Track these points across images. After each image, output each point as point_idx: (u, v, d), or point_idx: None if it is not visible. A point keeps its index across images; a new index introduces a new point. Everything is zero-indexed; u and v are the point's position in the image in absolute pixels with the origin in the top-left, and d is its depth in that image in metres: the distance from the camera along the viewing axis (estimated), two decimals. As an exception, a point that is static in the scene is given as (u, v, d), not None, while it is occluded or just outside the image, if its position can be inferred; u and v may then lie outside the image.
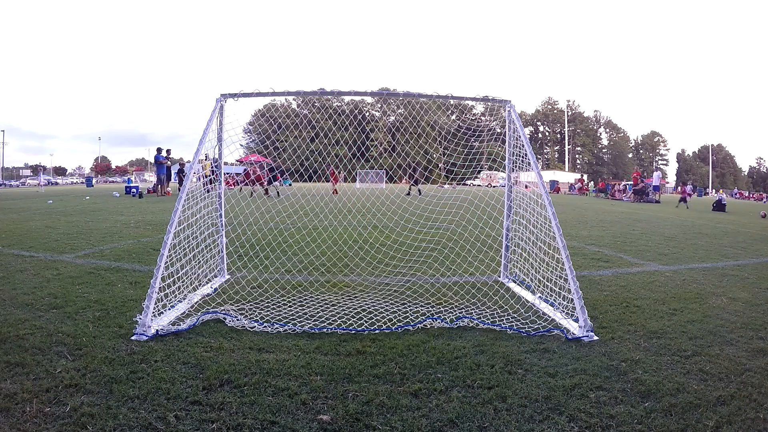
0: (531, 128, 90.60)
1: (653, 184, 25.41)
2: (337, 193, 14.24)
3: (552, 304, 3.52)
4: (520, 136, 3.92)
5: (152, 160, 19.83)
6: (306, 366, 2.47)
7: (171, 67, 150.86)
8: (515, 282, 4.25)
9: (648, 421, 1.98)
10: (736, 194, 55.75)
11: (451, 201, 6.05)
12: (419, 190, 15.71)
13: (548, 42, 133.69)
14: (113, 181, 61.60)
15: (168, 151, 19.28)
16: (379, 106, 67.31)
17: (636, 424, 1.95)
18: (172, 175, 20.00)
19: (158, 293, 3.05)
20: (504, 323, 3.18)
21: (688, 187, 36.39)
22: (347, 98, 61.90)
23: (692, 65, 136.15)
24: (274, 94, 3.95)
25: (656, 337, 2.98)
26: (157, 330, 2.84)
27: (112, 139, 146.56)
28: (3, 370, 2.29)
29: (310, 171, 6.37)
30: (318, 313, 3.35)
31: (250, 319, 3.16)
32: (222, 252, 4.31)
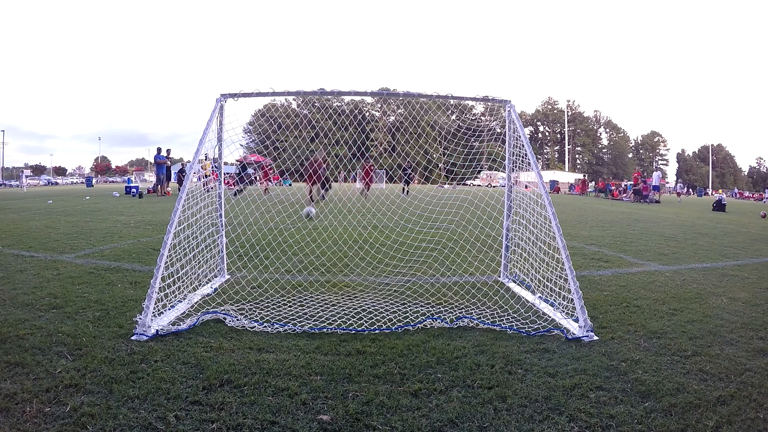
0: (531, 128, 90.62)
1: (653, 184, 25.42)
2: (366, 196, 12.72)
3: (552, 304, 3.52)
4: (520, 136, 3.92)
5: (152, 160, 19.88)
6: (306, 366, 2.47)
7: (171, 67, 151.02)
8: (515, 282, 4.25)
9: (648, 421, 1.98)
10: (735, 194, 55.76)
11: (451, 201, 6.05)
12: (407, 191, 14.80)
13: (548, 42, 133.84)
14: (113, 181, 61.61)
15: (168, 151, 19.29)
16: (379, 106, 67.27)
17: (636, 424, 1.95)
18: (173, 175, 20.02)
19: (158, 293, 3.05)
20: (504, 323, 3.18)
21: (679, 186, 36.44)
22: (347, 98, 61.87)
23: (692, 65, 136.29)
24: (274, 94, 3.94)
25: (656, 337, 2.98)
26: (157, 330, 2.84)
27: (112, 139, 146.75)
28: (3, 370, 2.29)
29: (310, 171, 6.36)
30: (318, 313, 3.35)
31: (250, 319, 3.16)
32: (222, 252, 4.31)
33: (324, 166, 12.51)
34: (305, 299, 3.70)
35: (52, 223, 8.25)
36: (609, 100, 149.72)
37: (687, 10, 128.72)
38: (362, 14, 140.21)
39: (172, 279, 3.39)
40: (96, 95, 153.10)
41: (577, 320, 3.04)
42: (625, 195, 26.93)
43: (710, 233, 9.17)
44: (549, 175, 50.85)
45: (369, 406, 2.08)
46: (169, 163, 19.80)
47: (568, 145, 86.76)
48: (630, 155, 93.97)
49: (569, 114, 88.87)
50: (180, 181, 19.02)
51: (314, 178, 12.23)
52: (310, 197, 12.13)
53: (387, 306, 3.53)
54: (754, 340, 2.97)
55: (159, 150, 19.12)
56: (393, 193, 13.50)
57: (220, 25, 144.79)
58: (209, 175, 4.19)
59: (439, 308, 3.51)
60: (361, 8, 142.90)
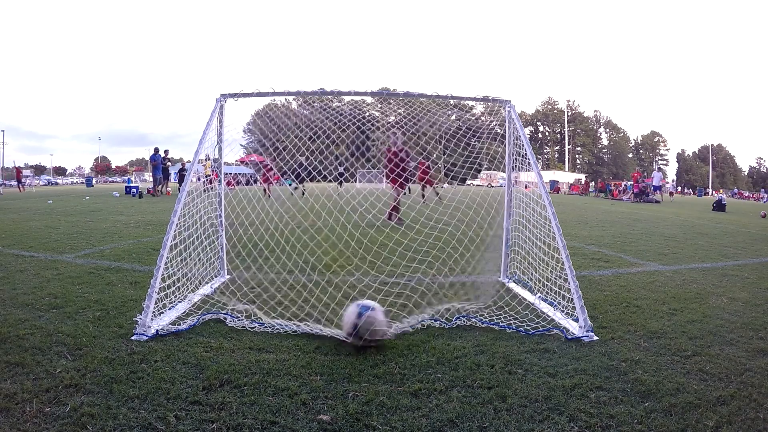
0: (531, 128, 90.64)
1: (654, 184, 25.52)
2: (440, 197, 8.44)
3: (552, 304, 3.52)
4: (520, 136, 3.92)
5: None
6: (306, 366, 2.47)
7: (171, 67, 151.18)
8: (515, 282, 4.25)
9: (648, 421, 1.98)
10: (735, 194, 55.76)
11: (451, 201, 6.04)
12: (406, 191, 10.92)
13: (548, 42, 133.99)
14: (113, 181, 61.67)
15: (166, 152, 19.32)
16: (379, 106, 67.31)
17: (636, 424, 1.95)
18: (173, 175, 20.04)
19: (158, 293, 3.05)
20: (504, 323, 3.18)
21: (671, 186, 36.42)
22: (347, 98, 61.82)
23: (692, 65, 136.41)
24: (274, 94, 3.94)
25: (656, 337, 2.98)
26: (157, 330, 2.84)
27: (112, 139, 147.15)
28: (3, 370, 2.29)
29: (309, 170, 6.36)
30: (318, 313, 3.34)
31: (250, 319, 3.16)
32: (222, 252, 4.31)
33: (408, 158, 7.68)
34: (305, 299, 3.70)
35: (52, 223, 8.25)
36: (609, 100, 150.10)
37: (687, 10, 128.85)
38: (362, 14, 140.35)
39: (172, 279, 3.39)
40: (96, 95, 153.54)
41: (577, 320, 3.04)
42: (625, 195, 26.98)
43: (710, 233, 9.17)
44: (549, 175, 50.86)
45: (369, 406, 2.08)
46: (169, 164, 19.82)
47: (568, 145, 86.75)
48: (630, 155, 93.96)
49: (569, 114, 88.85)
50: (180, 181, 19.03)
51: (398, 181, 7.55)
52: (391, 210, 7.77)
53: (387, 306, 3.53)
54: (754, 340, 2.97)
55: (156, 150, 19.09)
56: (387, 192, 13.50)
57: (220, 25, 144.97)
58: (209, 175, 4.20)
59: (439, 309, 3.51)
60: (361, 8, 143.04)
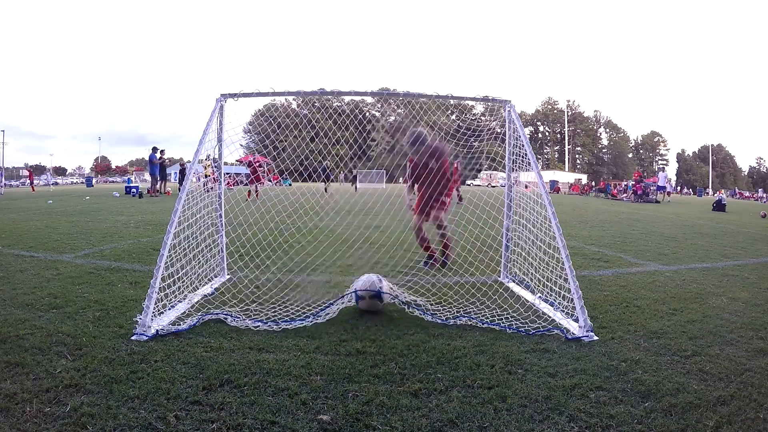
0: (531, 128, 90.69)
1: (659, 185, 25.63)
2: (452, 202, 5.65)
3: (552, 304, 3.51)
4: (520, 136, 3.92)
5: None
6: (306, 366, 2.47)
7: (171, 67, 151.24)
8: (515, 282, 4.25)
9: (648, 421, 1.98)
10: (735, 194, 55.80)
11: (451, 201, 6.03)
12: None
13: (548, 42, 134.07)
14: (113, 181, 61.75)
15: (162, 152, 19.52)
16: (379, 106, 67.31)
17: (636, 424, 1.95)
18: (173, 175, 20.14)
19: (158, 293, 3.04)
20: (504, 323, 3.18)
21: (669, 186, 36.42)
22: (347, 98, 61.83)
23: (692, 65, 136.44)
24: (274, 94, 3.94)
25: (656, 337, 2.98)
26: (157, 330, 2.84)
27: (111, 139, 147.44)
28: (3, 370, 2.29)
29: (310, 170, 6.36)
30: (318, 313, 3.34)
31: (252, 318, 3.16)
32: (222, 252, 4.31)
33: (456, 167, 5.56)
34: (306, 299, 3.70)
35: (52, 223, 8.25)
36: (609, 100, 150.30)
37: (687, 9, 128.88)
38: (362, 14, 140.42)
39: (172, 279, 3.39)
40: (96, 95, 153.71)
41: (577, 320, 3.04)
42: (625, 195, 27.03)
43: (710, 233, 9.17)
44: (549, 175, 50.93)
45: (369, 406, 2.08)
46: (167, 162, 19.91)
47: (568, 145, 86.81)
48: (630, 155, 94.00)
49: (569, 114, 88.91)
50: (181, 181, 19.12)
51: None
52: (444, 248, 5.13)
53: (388, 305, 3.53)
54: (754, 340, 2.97)
55: (154, 149, 19.33)
56: (392, 193, 13.49)
57: (220, 25, 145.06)
58: (209, 175, 4.19)
59: (439, 308, 3.51)
60: (361, 8, 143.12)
